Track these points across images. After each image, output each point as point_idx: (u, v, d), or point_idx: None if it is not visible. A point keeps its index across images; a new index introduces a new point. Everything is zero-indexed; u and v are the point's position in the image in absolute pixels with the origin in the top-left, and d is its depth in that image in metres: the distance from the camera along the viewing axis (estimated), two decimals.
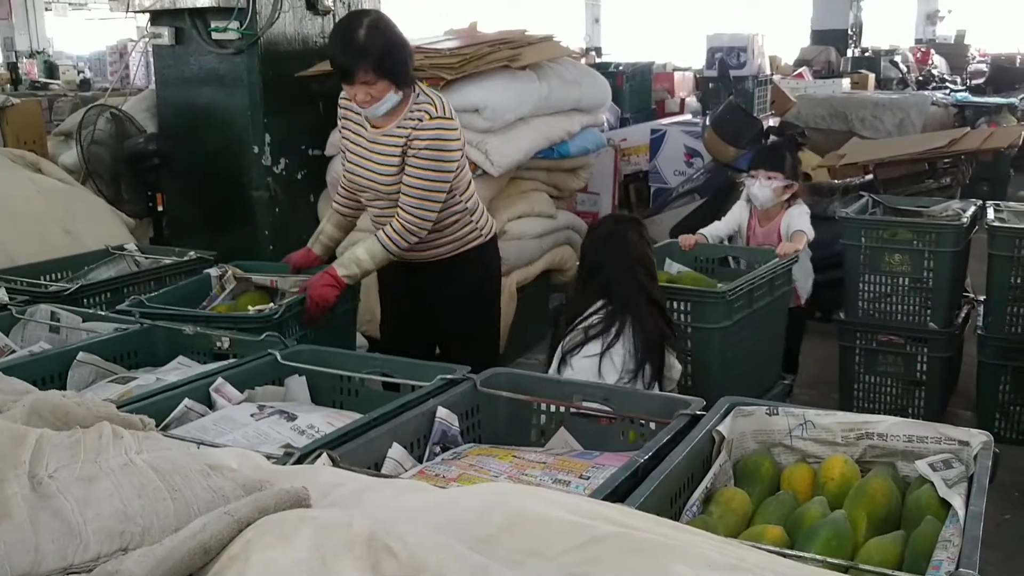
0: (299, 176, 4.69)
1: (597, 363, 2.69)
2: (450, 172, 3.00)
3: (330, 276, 2.95)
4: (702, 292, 3.17)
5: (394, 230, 2.99)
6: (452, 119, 3.01)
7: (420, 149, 2.94)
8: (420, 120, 2.95)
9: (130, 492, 1.04)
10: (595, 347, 2.72)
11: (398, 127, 2.98)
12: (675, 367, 2.80)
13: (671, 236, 4.38)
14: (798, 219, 3.92)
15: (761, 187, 3.94)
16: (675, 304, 3.11)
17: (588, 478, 1.65)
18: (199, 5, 4.36)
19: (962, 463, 1.63)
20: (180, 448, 1.21)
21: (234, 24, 4.39)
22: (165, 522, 1.03)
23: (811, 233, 3.87)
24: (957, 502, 1.48)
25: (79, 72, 16.58)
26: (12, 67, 15.30)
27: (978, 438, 1.63)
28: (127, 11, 4.49)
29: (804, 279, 4.00)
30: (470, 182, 3.20)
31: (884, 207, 4.41)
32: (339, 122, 3.24)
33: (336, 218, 3.31)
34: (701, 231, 3.98)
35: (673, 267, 3.69)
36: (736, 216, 4.11)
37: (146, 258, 3.47)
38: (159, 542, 0.98)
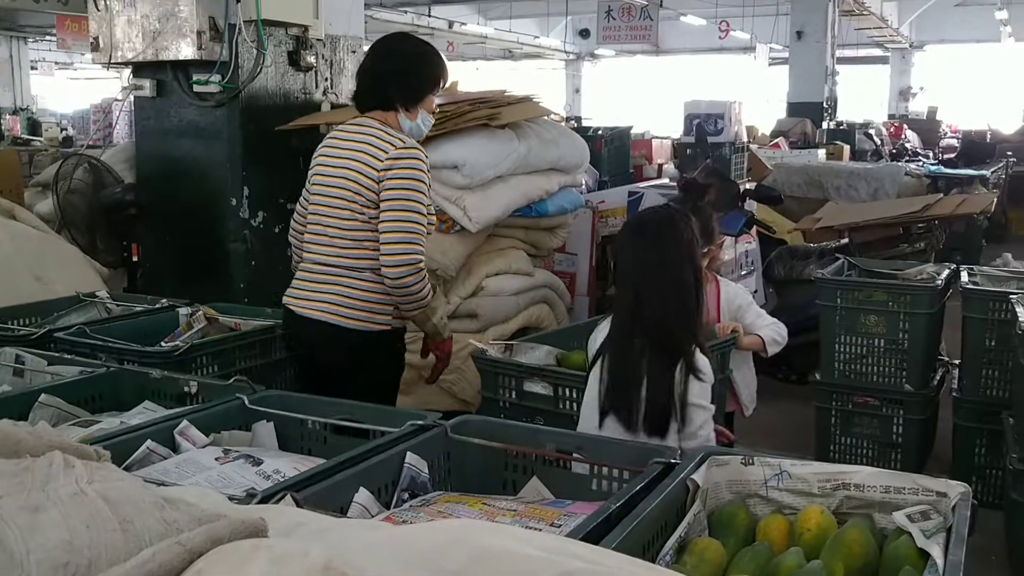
0: (276, 229, 4.67)
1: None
2: None
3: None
4: (582, 377, 2.63)
5: None
6: None
7: None
8: None
9: (78, 522, 1.00)
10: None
11: None
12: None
13: None
14: (754, 312, 3.38)
15: None
16: (564, 391, 2.68)
17: (560, 526, 1.61)
18: (182, 58, 4.37)
19: (940, 514, 1.60)
20: (135, 480, 1.17)
21: (216, 77, 4.40)
22: (114, 554, 0.99)
23: (777, 339, 3.30)
24: (936, 551, 1.45)
25: (62, 130, 16.59)
26: None
27: (956, 489, 1.61)
28: (108, 63, 4.49)
29: (746, 386, 3.50)
30: None
31: (860, 269, 4.44)
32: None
33: None
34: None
35: None
36: None
37: (117, 305, 3.43)
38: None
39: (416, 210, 2.82)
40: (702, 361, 2.33)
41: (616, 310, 2.42)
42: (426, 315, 2.92)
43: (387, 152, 2.84)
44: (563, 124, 7.19)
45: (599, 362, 2.39)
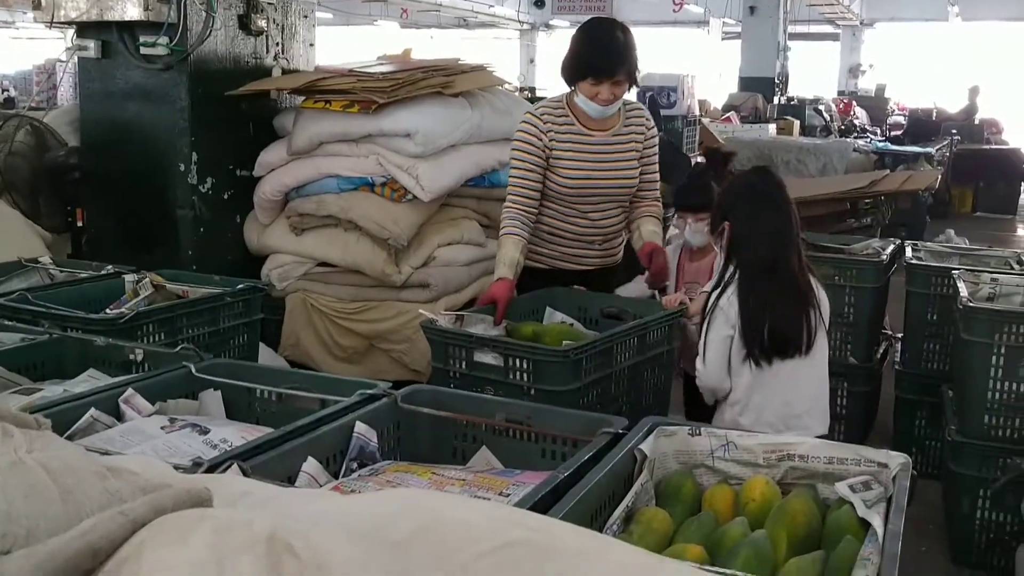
0: (225, 196, 4.59)
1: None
2: None
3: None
4: (540, 350, 2.65)
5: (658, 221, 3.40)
6: None
7: (655, 145, 3.38)
8: (648, 119, 3.38)
9: (16, 492, 0.97)
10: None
11: (625, 127, 3.29)
12: None
13: None
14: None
15: (692, 232, 3.49)
16: (515, 362, 2.62)
17: (508, 495, 1.61)
18: (128, 18, 4.26)
19: (881, 484, 1.64)
20: (77, 449, 1.15)
21: (164, 39, 4.29)
22: (54, 524, 0.97)
23: None
24: (876, 521, 1.48)
25: (3, 91, 16.12)
26: None
27: (896, 460, 1.65)
28: (51, 22, 4.36)
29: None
30: None
31: (807, 244, 4.48)
32: (532, 139, 3.25)
33: (521, 243, 3.26)
34: (619, 290, 3.50)
35: (555, 316, 3.21)
36: None
37: (61, 271, 3.36)
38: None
39: (512, 166, 3.30)
40: None
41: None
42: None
43: None
44: (517, 94, 7.16)
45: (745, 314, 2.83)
